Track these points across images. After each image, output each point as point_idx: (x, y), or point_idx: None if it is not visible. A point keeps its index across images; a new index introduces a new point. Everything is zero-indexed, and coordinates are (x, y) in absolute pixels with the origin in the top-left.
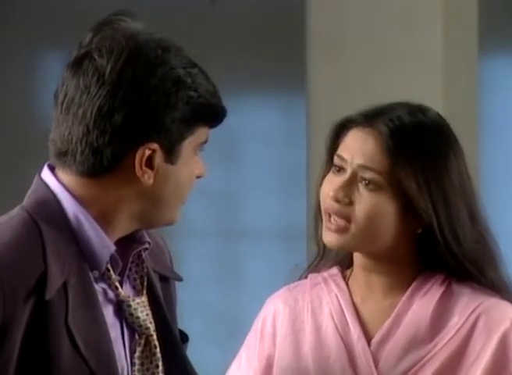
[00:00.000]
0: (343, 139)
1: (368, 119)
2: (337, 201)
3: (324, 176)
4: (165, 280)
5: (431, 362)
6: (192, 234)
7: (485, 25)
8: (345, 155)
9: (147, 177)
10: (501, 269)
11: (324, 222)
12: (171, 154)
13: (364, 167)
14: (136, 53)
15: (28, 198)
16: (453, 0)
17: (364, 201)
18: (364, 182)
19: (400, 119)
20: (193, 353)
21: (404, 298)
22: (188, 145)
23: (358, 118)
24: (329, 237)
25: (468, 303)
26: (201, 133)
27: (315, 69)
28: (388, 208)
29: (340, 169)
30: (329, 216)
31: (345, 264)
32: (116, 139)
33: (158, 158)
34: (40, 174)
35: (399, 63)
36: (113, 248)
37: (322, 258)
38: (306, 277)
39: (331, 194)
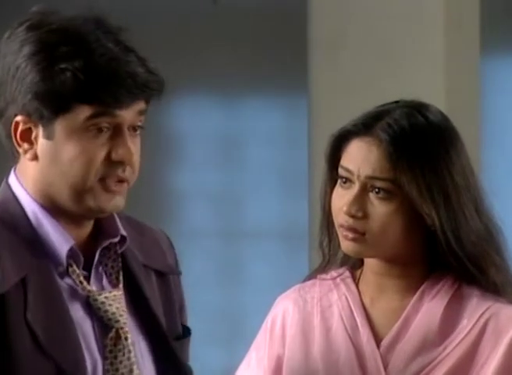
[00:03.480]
0: (344, 150)
1: (367, 127)
2: (351, 216)
3: (327, 188)
4: (161, 275)
5: (440, 365)
6: (194, 234)
7: (487, 25)
8: (351, 167)
9: (24, 152)
10: (505, 269)
11: (339, 232)
12: (47, 129)
13: (372, 178)
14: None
15: None
16: (455, 0)
17: (378, 212)
18: (375, 191)
19: (398, 122)
20: (194, 352)
21: (414, 300)
22: (68, 122)
23: (357, 127)
24: (348, 246)
25: (477, 306)
26: (84, 111)
27: (317, 70)
28: (399, 215)
29: (347, 181)
30: (344, 228)
31: (354, 265)
32: (1, 120)
33: (37, 133)
34: (6, 177)
35: (401, 64)
36: (71, 242)
37: (328, 263)
38: (315, 278)
39: (344, 209)
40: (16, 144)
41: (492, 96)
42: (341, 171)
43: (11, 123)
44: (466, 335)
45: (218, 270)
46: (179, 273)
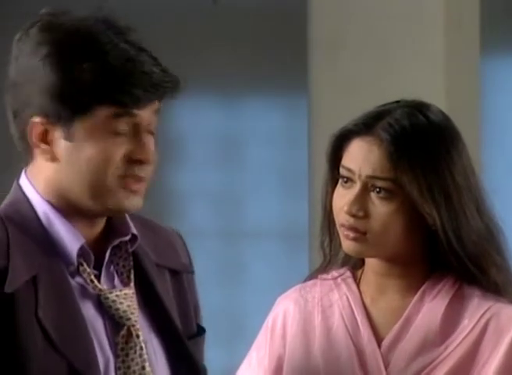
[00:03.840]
0: (345, 150)
1: (368, 126)
2: (352, 215)
3: (328, 188)
4: (175, 273)
5: (441, 365)
6: (194, 234)
7: (487, 25)
8: (352, 167)
9: (41, 152)
10: (506, 269)
11: (340, 232)
12: (66, 130)
13: (373, 177)
14: (20, 34)
15: (3, 202)
16: (455, 0)
17: (379, 211)
18: (375, 190)
19: (398, 122)
20: None
21: (415, 299)
22: (87, 123)
23: (358, 127)
24: (349, 246)
25: (478, 306)
26: (103, 112)
27: (317, 70)
28: (400, 214)
29: (348, 180)
30: (345, 227)
31: (355, 265)
32: (15, 121)
33: (55, 134)
34: (18, 179)
35: (401, 64)
36: (82, 241)
37: (329, 263)
38: (316, 278)
39: (345, 208)
40: (32, 145)
41: (492, 96)
42: (342, 171)
43: (26, 124)
44: (467, 335)
45: (218, 270)
46: (192, 272)
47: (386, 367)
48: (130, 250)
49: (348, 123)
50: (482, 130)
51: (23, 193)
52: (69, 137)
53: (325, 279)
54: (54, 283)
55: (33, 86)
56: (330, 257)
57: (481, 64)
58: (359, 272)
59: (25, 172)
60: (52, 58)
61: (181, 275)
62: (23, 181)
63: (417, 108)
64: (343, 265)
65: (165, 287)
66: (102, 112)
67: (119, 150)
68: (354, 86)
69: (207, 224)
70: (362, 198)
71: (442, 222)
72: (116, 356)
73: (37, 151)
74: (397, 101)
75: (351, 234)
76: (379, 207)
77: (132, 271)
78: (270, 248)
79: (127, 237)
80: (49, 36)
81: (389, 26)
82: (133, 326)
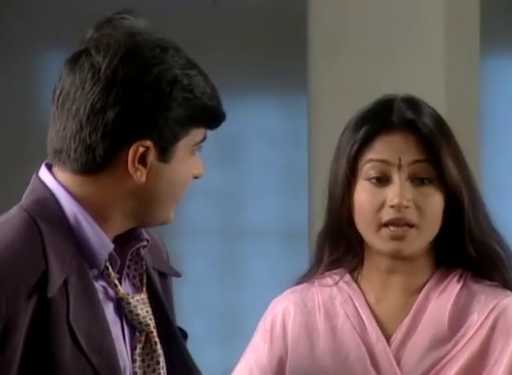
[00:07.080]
0: (370, 148)
1: (388, 121)
2: (405, 207)
3: (345, 193)
4: (163, 276)
5: (453, 361)
6: (194, 233)
7: (487, 24)
8: (388, 158)
9: (140, 174)
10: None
11: (381, 234)
12: (165, 153)
13: (417, 162)
14: (133, 51)
15: (26, 198)
16: (455, 0)
17: (428, 200)
18: (420, 178)
19: (416, 110)
20: (194, 352)
21: (421, 296)
22: (183, 145)
23: (379, 123)
24: (396, 246)
25: (486, 301)
26: (197, 133)
27: (317, 69)
28: (440, 201)
29: (383, 176)
30: (386, 225)
31: (350, 267)
32: (108, 136)
33: (152, 156)
34: (37, 173)
35: (400, 63)
36: (111, 246)
37: (319, 268)
38: (308, 281)
39: (395, 201)
40: (131, 167)
41: (492, 96)
42: (373, 166)
43: (126, 144)
44: (477, 331)
45: (218, 269)
46: (179, 275)
47: (398, 364)
48: (142, 254)
49: (356, 122)
50: (482, 130)
51: (49, 190)
52: (166, 159)
53: (321, 280)
54: (82, 286)
55: (159, 109)
56: (326, 261)
57: (481, 64)
58: (355, 273)
59: (47, 166)
60: (176, 84)
61: (168, 278)
62: (46, 177)
63: (419, 101)
64: (329, 269)
65: (160, 291)
66: (198, 135)
67: (194, 170)
68: (354, 86)
69: (206, 223)
70: (407, 189)
71: (470, 204)
72: (132, 361)
73: (132, 172)
74: (387, 96)
75: (405, 227)
76: (427, 196)
77: (145, 276)
78: (270, 247)
79: (144, 243)
80: (170, 60)
81: (389, 26)
82: (152, 332)
